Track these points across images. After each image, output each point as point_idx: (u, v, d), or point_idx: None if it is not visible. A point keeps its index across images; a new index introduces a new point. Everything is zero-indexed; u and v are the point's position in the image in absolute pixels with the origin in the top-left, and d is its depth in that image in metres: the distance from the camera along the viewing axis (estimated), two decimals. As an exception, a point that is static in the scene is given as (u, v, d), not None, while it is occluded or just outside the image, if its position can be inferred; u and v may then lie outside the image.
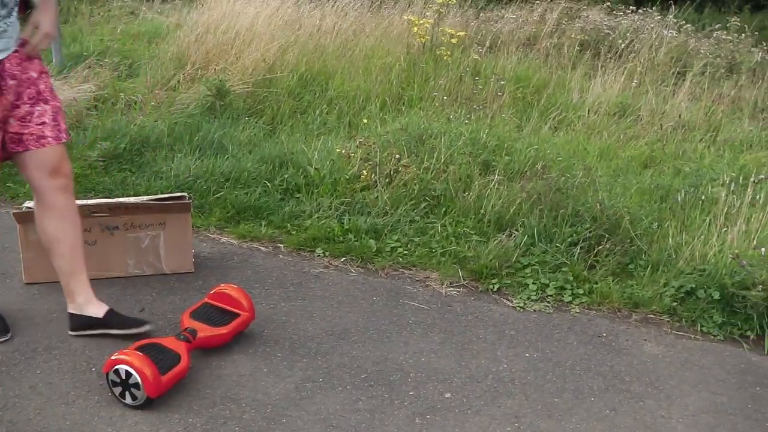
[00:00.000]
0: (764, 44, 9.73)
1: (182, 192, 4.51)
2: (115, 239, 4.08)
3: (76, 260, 3.49)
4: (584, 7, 11.15)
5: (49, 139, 3.30)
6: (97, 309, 3.52)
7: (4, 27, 3.13)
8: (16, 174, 5.31)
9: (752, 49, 9.48)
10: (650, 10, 10.92)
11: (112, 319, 3.51)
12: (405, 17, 8.14)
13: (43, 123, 3.29)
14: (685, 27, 10.05)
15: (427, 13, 8.42)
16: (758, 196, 4.58)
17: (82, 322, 3.52)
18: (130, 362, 2.97)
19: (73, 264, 3.49)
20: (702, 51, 8.94)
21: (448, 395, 3.19)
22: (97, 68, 7.20)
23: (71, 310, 3.54)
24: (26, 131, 3.26)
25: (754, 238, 4.22)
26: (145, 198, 4.18)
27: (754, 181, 4.76)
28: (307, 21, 8.12)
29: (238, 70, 6.81)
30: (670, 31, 9.49)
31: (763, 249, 3.99)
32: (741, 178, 4.89)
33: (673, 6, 11.22)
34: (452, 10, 9.28)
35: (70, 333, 3.54)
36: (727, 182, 4.79)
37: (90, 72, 7.12)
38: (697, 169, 5.44)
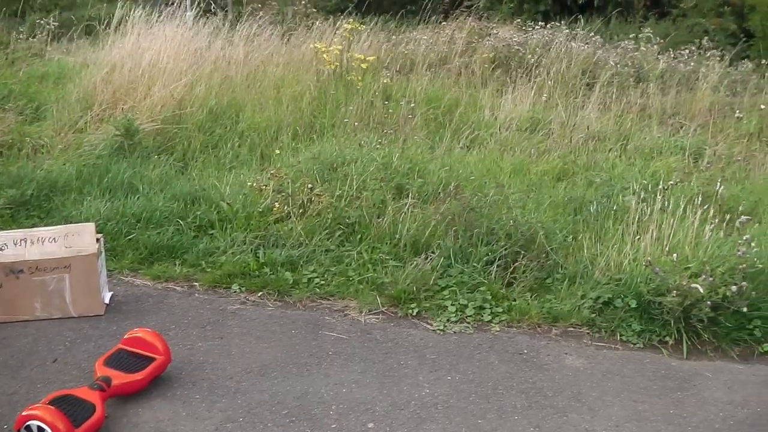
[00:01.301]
0: (670, 51, 9.94)
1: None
2: (21, 283, 4.02)
3: None
4: (494, 25, 11.28)
5: None
6: None
7: None
8: None
9: (658, 56, 9.67)
10: (559, 25, 11.08)
11: None
12: (312, 45, 8.13)
13: None
14: (593, 39, 10.21)
15: (335, 40, 8.43)
16: (667, 203, 4.64)
17: None
18: (41, 417, 2.89)
19: None
20: (610, 62, 9.09)
21: (371, 425, 3.16)
22: (0, 113, 7.03)
23: None
24: None
25: (666, 244, 4.28)
26: (52, 228, 4.20)
27: (663, 188, 4.82)
28: (215, 53, 8.05)
29: (146, 108, 6.72)
30: (578, 43, 9.63)
31: (675, 255, 4.04)
32: (651, 185, 4.96)
33: (581, 19, 11.42)
34: (363, 35, 9.31)
35: None
36: (638, 190, 4.84)
37: (-7, 117, 6.95)
38: (608, 179, 5.50)
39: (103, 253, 4.28)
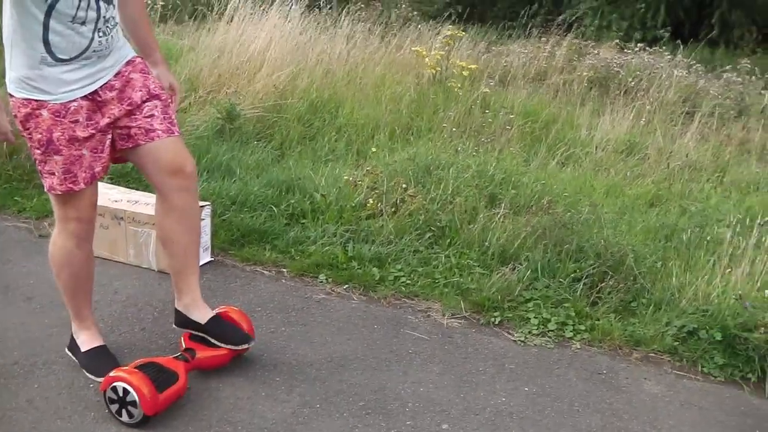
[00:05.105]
0: (774, 86, 9.75)
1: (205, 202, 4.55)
2: (121, 228, 4.45)
3: (187, 261, 3.36)
4: (593, 43, 11.22)
5: (159, 132, 3.09)
6: (201, 314, 3.40)
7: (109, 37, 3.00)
8: (24, 188, 5.35)
9: (762, 91, 9.50)
10: (660, 50, 10.96)
11: (212, 327, 3.39)
12: (413, 49, 8.19)
13: (152, 116, 3.08)
14: (695, 67, 10.08)
15: (436, 45, 8.48)
16: (764, 238, 4.56)
17: (183, 321, 3.44)
18: (128, 380, 2.97)
19: (184, 264, 3.35)
20: (712, 92, 8.97)
21: (445, 426, 3.17)
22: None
23: (177, 307, 3.44)
24: (134, 125, 3.06)
25: (758, 280, 4.20)
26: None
27: (760, 223, 4.74)
28: (318, 47, 8.17)
29: (249, 95, 6.85)
30: (680, 70, 9.52)
31: (766, 291, 3.98)
32: (747, 219, 4.88)
33: (681, 46, 11.27)
34: (463, 43, 9.35)
35: (174, 326, 3.48)
36: (733, 223, 4.77)
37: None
38: (703, 210, 5.43)
39: (207, 221, 4.49)
